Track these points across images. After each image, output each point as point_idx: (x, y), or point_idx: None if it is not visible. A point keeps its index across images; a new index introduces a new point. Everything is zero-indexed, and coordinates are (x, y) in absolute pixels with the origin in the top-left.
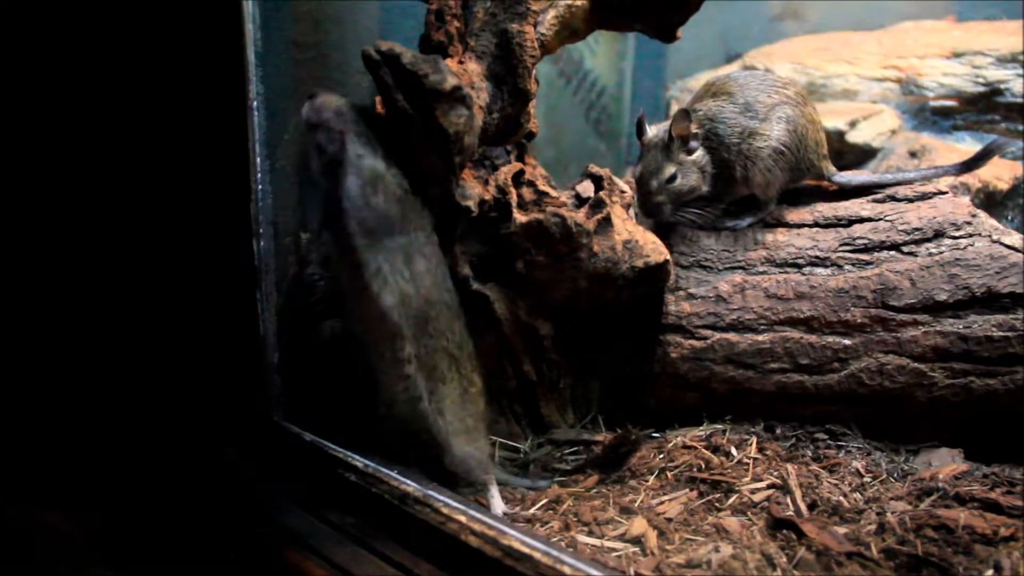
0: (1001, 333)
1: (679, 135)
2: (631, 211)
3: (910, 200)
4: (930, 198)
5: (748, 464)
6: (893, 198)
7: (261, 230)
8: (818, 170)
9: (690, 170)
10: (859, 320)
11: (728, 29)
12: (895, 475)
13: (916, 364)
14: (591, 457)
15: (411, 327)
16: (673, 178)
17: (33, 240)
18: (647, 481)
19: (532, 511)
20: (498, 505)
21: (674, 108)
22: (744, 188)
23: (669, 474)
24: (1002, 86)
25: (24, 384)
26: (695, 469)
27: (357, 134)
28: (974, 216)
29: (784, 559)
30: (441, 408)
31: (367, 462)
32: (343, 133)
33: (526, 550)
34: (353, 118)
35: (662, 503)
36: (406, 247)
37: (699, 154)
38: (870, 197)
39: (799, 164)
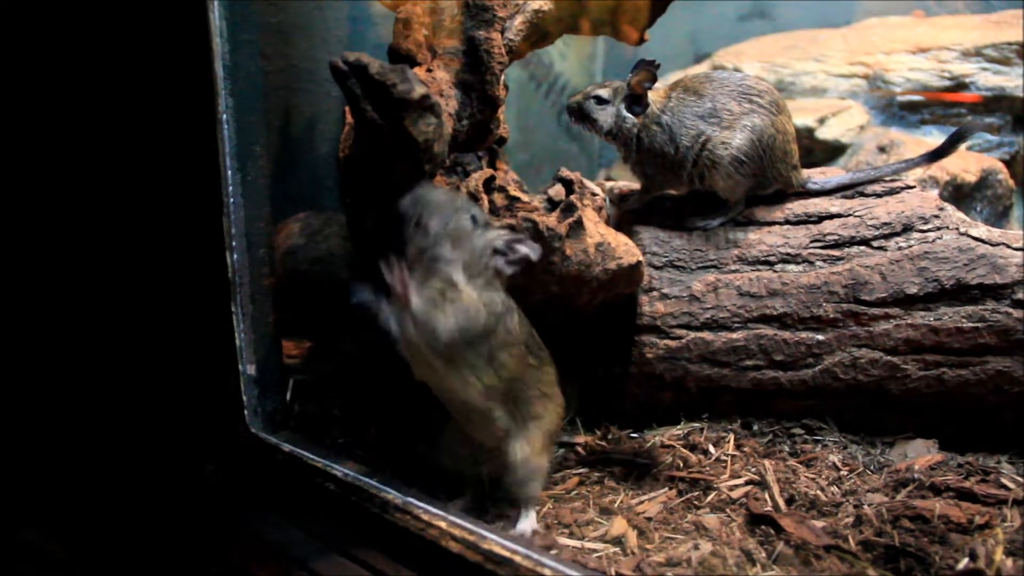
0: (971, 324)
1: (634, 87)
2: (603, 213)
3: (879, 195)
4: (898, 193)
5: (726, 461)
6: (862, 193)
7: (234, 243)
8: (786, 179)
9: (616, 121)
10: (831, 315)
11: (697, 29)
12: (871, 467)
13: (889, 357)
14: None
15: (500, 402)
16: (601, 102)
17: (6, 261)
18: (627, 481)
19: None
20: (528, 524)
21: None
22: (682, 188)
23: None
24: (967, 80)
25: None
26: (674, 468)
27: (440, 235)
28: (942, 209)
29: (763, 554)
30: (529, 437)
31: (346, 471)
32: (430, 248)
33: (506, 554)
34: (444, 219)
35: (641, 503)
36: (487, 351)
37: (631, 122)
38: (839, 193)
39: (764, 173)
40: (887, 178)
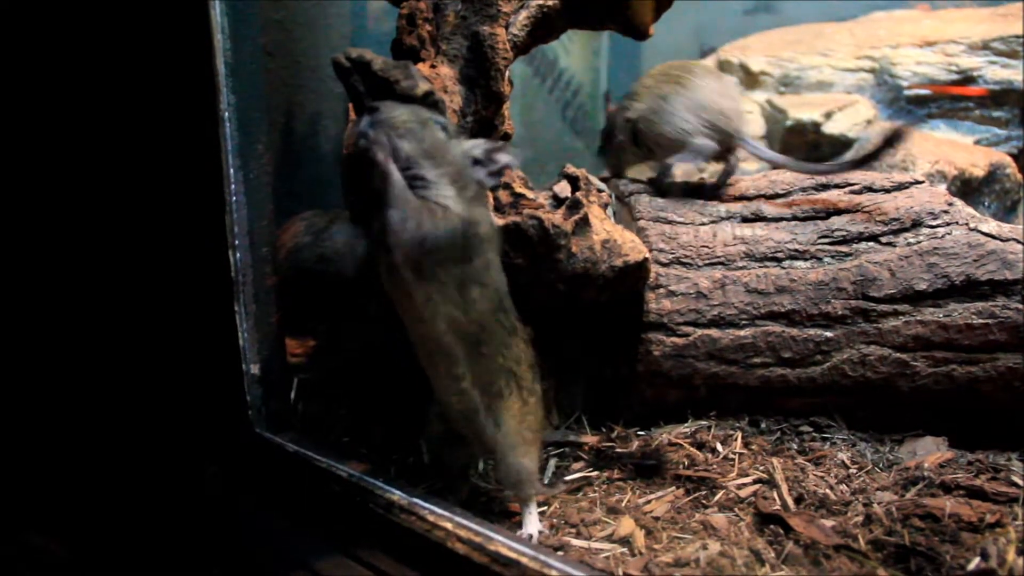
0: (981, 320)
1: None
2: (608, 210)
3: (887, 191)
4: (907, 188)
5: (734, 460)
6: (870, 189)
7: (237, 241)
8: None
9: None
10: (840, 312)
11: (702, 24)
12: (880, 465)
13: (898, 354)
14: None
15: (464, 348)
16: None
17: (7, 260)
18: (634, 480)
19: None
20: (532, 524)
21: None
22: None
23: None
24: (975, 73)
25: (1, 402)
26: (681, 466)
27: (417, 157)
28: (951, 205)
29: (772, 554)
30: (499, 421)
31: (351, 471)
32: (387, 159)
33: (513, 555)
34: (417, 137)
35: (649, 502)
36: (460, 276)
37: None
38: (847, 189)
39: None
40: (895, 174)
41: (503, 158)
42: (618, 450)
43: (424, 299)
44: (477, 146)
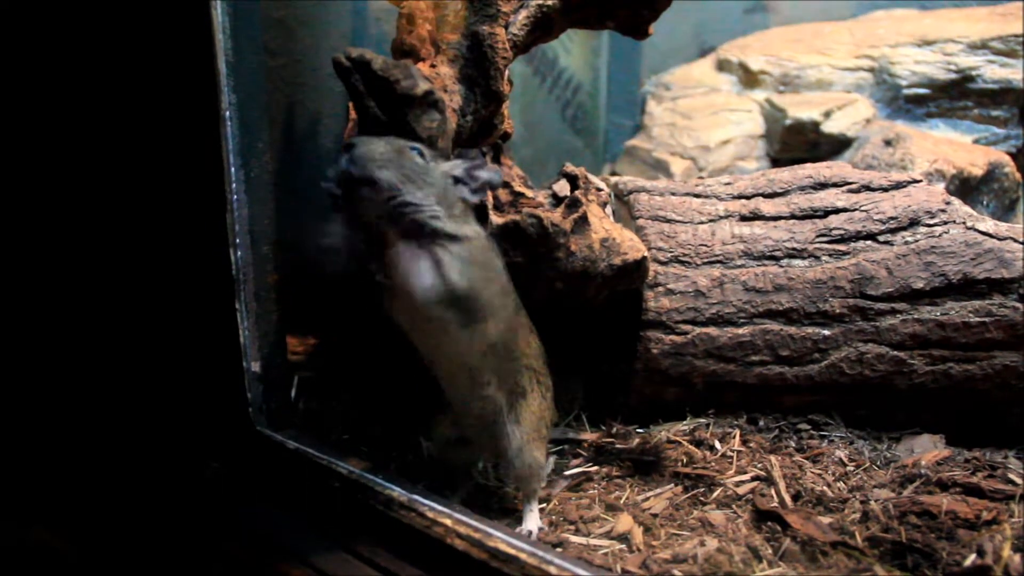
0: (978, 319)
1: None
2: (608, 209)
3: (885, 189)
4: (904, 187)
5: (732, 457)
6: (868, 188)
7: (238, 240)
8: None
9: None
10: (838, 310)
11: (702, 23)
12: (878, 463)
13: (895, 352)
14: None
15: (489, 361)
16: None
17: (10, 260)
18: (632, 477)
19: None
20: (531, 521)
21: (650, 103)
22: None
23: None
24: (973, 72)
25: (4, 400)
26: (679, 464)
27: (400, 183)
28: (948, 203)
29: (770, 551)
30: (519, 418)
31: (351, 468)
32: (395, 199)
33: (512, 551)
34: (396, 165)
35: (647, 499)
36: (475, 307)
37: None
38: (845, 188)
39: None
40: (893, 173)
41: (484, 175)
42: (617, 447)
43: (443, 330)
44: (456, 166)
